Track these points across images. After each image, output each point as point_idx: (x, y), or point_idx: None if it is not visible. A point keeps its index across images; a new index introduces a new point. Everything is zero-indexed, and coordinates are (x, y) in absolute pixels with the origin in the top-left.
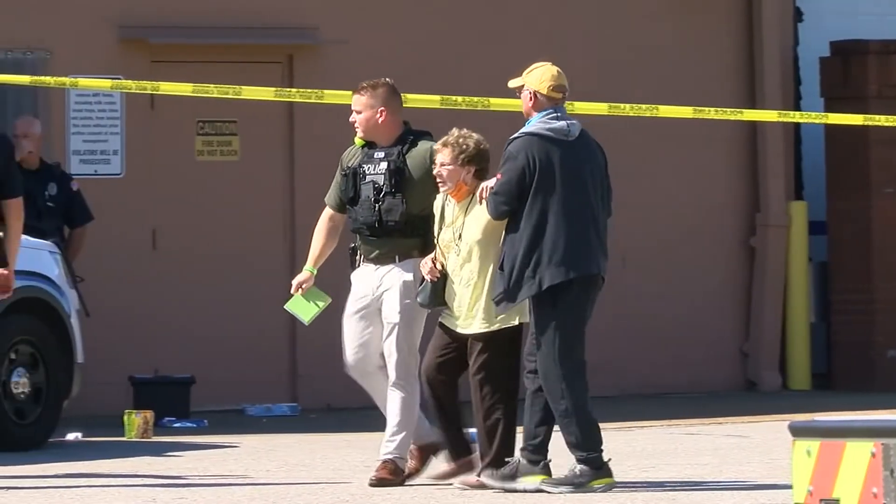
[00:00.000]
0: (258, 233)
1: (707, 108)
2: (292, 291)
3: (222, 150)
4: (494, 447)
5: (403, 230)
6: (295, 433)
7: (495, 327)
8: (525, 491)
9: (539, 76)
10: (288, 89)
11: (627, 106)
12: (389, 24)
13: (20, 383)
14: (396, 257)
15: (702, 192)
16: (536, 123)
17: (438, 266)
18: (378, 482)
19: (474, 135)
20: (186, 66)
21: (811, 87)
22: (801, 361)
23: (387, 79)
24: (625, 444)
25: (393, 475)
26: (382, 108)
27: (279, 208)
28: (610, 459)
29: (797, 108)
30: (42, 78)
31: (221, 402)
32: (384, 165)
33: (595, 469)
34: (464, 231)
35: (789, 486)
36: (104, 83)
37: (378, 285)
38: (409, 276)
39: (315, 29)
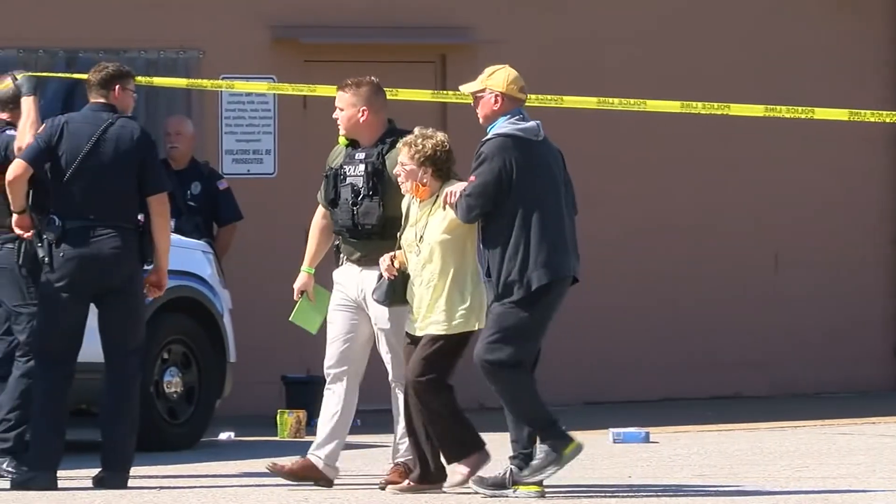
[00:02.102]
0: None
1: (863, 111)
2: (295, 297)
3: None
4: (424, 450)
5: (381, 233)
6: None
7: (453, 331)
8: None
9: (504, 78)
10: (444, 91)
11: (784, 108)
12: (544, 25)
13: (173, 383)
14: (378, 259)
15: (853, 191)
16: (507, 125)
17: (397, 264)
18: (388, 483)
19: (438, 135)
20: (339, 66)
21: None
22: None
23: (372, 77)
24: (777, 444)
25: (404, 477)
26: (364, 106)
27: None
28: (564, 428)
29: None
30: (198, 81)
31: (374, 401)
32: (363, 167)
33: (558, 439)
34: (426, 232)
35: None
36: (260, 86)
37: (362, 288)
38: None
39: (469, 28)
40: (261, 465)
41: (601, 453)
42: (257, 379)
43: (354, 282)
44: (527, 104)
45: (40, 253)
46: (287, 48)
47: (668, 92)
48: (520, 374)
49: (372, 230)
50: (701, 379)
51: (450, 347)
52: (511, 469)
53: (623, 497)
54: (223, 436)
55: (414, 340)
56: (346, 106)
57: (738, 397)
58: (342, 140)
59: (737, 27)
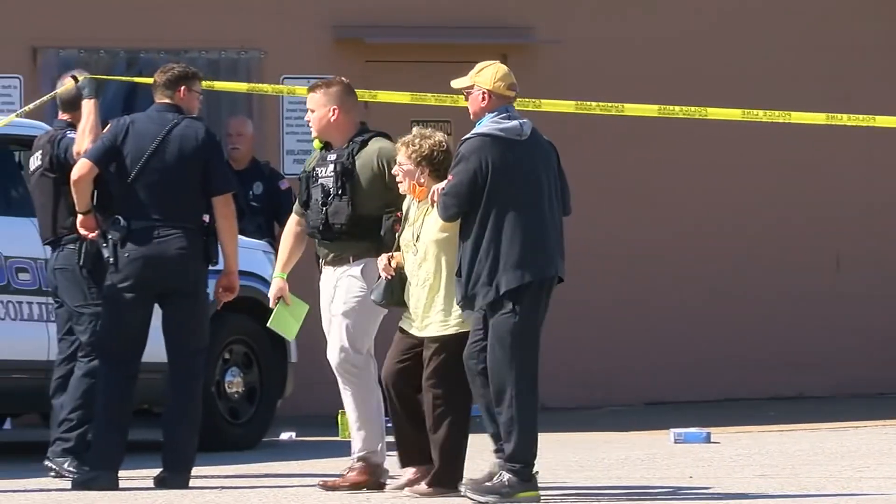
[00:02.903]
0: None
1: None
2: (271, 305)
3: None
4: (441, 457)
5: (351, 232)
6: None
7: (452, 331)
8: None
9: (492, 75)
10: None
11: (845, 116)
12: (605, 26)
13: (234, 383)
14: (351, 258)
15: None
16: (488, 124)
17: (394, 264)
18: (351, 486)
19: (436, 135)
20: (400, 66)
21: None
22: None
23: (342, 77)
24: (839, 444)
25: (365, 475)
26: (335, 106)
27: None
28: (537, 472)
29: None
30: (259, 85)
31: None
32: (332, 167)
33: (523, 482)
34: (422, 232)
35: None
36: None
37: (335, 285)
38: (358, 273)
39: (530, 28)
40: (322, 465)
41: (662, 453)
42: (318, 379)
43: (330, 282)
44: (590, 112)
45: (105, 253)
46: (349, 48)
47: (725, 93)
48: (525, 386)
49: (342, 229)
50: (762, 379)
51: (455, 348)
52: (497, 463)
53: (683, 499)
54: (284, 436)
55: (409, 338)
56: (317, 107)
57: (799, 397)
58: (316, 143)
59: (796, 28)
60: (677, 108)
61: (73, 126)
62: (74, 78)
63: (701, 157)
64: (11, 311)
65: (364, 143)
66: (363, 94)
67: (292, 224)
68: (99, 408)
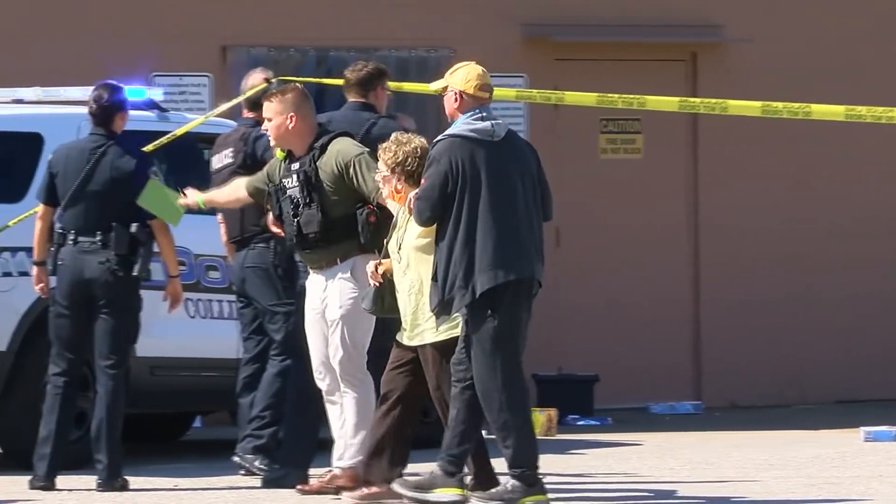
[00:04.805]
0: (661, 231)
1: None
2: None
3: (626, 149)
4: (476, 462)
5: (328, 237)
6: (699, 431)
7: (442, 337)
8: (439, 503)
9: (464, 76)
10: (692, 100)
11: None
12: (797, 25)
13: None
14: (338, 260)
15: None
16: (460, 125)
17: (381, 271)
18: (338, 490)
19: (414, 141)
20: (589, 64)
21: None
22: None
23: (297, 84)
24: None
25: (354, 482)
26: (292, 113)
27: (682, 207)
28: (544, 476)
29: None
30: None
31: (625, 400)
32: (296, 177)
33: (528, 486)
34: (405, 239)
35: None
36: (509, 93)
37: (324, 288)
38: (348, 274)
39: (720, 27)
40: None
41: (852, 451)
42: None
43: (318, 288)
44: (779, 116)
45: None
46: (538, 46)
47: None
48: (510, 396)
49: (317, 237)
50: None
51: (448, 354)
52: (433, 471)
53: (870, 499)
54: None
55: (402, 347)
56: (274, 115)
57: None
58: (279, 153)
59: None
60: (863, 109)
61: (259, 124)
62: (267, 80)
63: (854, 154)
64: (202, 309)
65: (324, 148)
66: (549, 97)
67: (240, 184)
68: (291, 406)
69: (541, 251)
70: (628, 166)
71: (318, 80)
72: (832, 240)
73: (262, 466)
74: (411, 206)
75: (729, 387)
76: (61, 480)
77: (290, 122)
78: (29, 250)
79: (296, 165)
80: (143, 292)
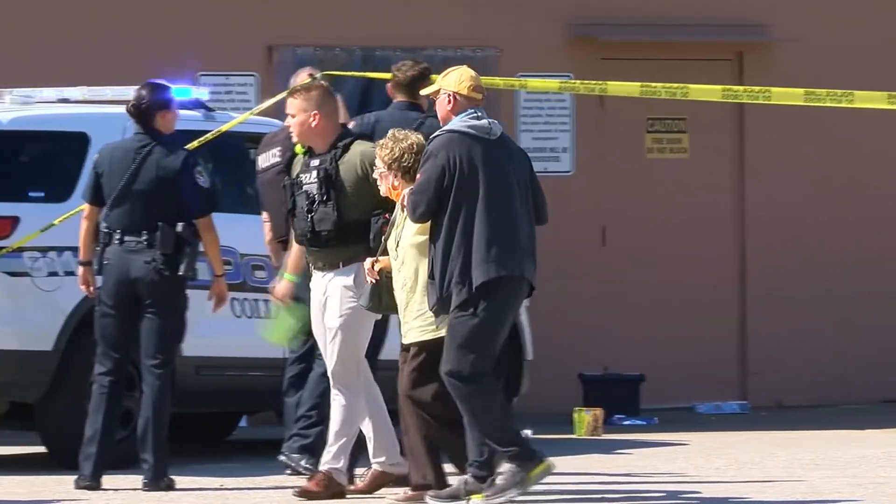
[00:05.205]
0: (707, 231)
1: None
2: (272, 301)
3: (672, 148)
4: (432, 464)
5: (339, 238)
6: (745, 431)
7: (431, 335)
8: None
9: (457, 78)
10: (735, 88)
11: None
12: (842, 24)
13: None
14: (340, 263)
15: None
16: (457, 122)
17: (378, 268)
18: (302, 493)
19: (410, 138)
20: (635, 64)
21: None
22: None
23: (322, 81)
24: None
25: (322, 487)
26: (315, 111)
27: (728, 206)
28: (536, 452)
29: None
30: (492, 78)
31: (671, 399)
32: (315, 174)
33: (526, 460)
34: (402, 236)
35: None
36: (552, 83)
37: (324, 292)
38: (350, 281)
39: (766, 26)
40: (557, 462)
41: None
42: (554, 376)
43: (319, 287)
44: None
45: None
46: (584, 46)
47: None
48: (479, 386)
49: (329, 236)
50: None
51: (435, 353)
52: (467, 480)
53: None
54: (521, 433)
55: (405, 349)
56: (297, 112)
57: None
58: (298, 149)
59: None
60: None
61: None
62: (312, 76)
63: None
64: (248, 308)
65: (346, 148)
66: (593, 87)
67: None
68: None
69: (533, 253)
70: (675, 166)
71: (362, 73)
72: (880, 238)
73: (308, 466)
74: (405, 202)
75: (775, 386)
76: (107, 480)
77: (314, 119)
78: (75, 250)
79: (315, 162)
80: (189, 292)
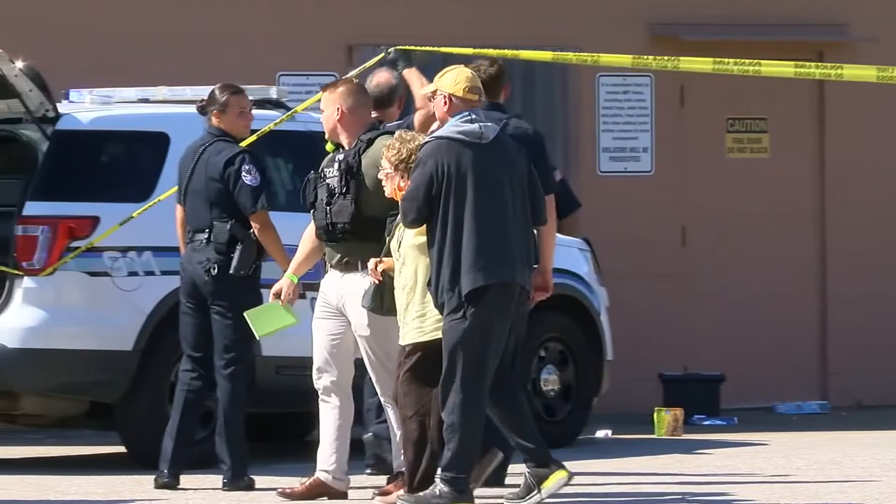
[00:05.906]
0: (788, 231)
1: None
2: (270, 300)
3: (752, 148)
4: (412, 463)
5: (357, 233)
6: (825, 431)
7: (427, 337)
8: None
9: (453, 79)
10: (807, 64)
11: None
12: None
13: (550, 380)
14: (359, 264)
15: None
16: (448, 127)
17: (381, 269)
18: (382, 493)
19: (418, 138)
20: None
21: None
22: None
23: (352, 77)
24: None
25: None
26: (339, 105)
27: (809, 206)
28: (474, 486)
29: None
30: (564, 54)
31: (751, 399)
32: (337, 166)
33: (457, 492)
34: (404, 237)
35: None
36: (624, 59)
37: (342, 294)
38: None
39: (846, 26)
40: (638, 462)
41: None
42: (634, 377)
43: (335, 288)
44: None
45: None
46: (665, 45)
47: None
48: (464, 396)
49: (345, 229)
50: None
51: (430, 355)
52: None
53: None
54: (600, 433)
55: (403, 349)
56: (325, 106)
57: None
58: (329, 146)
59: None
60: None
61: (382, 123)
62: (386, 52)
63: None
64: None
65: (370, 142)
66: (666, 64)
67: (311, 227)
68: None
69: (528, 256)
70: (755, 165)
71: (437, 48)
72: None
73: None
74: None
75: (855, 386)
76: (188, 480)
77: (338, 114)
78: (154, 250)
79: (339, 156)
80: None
